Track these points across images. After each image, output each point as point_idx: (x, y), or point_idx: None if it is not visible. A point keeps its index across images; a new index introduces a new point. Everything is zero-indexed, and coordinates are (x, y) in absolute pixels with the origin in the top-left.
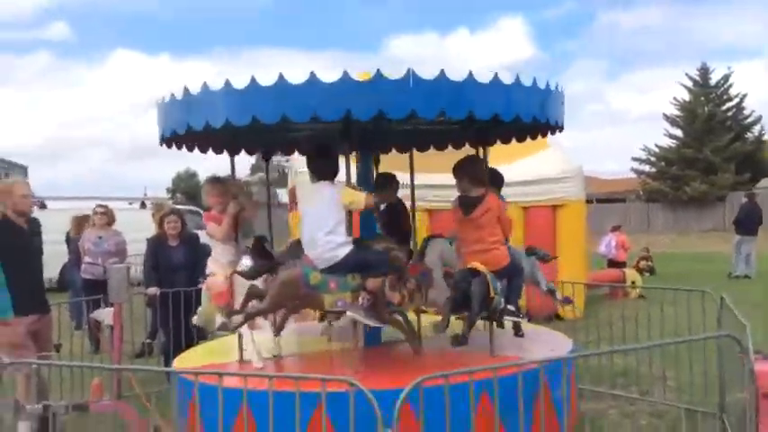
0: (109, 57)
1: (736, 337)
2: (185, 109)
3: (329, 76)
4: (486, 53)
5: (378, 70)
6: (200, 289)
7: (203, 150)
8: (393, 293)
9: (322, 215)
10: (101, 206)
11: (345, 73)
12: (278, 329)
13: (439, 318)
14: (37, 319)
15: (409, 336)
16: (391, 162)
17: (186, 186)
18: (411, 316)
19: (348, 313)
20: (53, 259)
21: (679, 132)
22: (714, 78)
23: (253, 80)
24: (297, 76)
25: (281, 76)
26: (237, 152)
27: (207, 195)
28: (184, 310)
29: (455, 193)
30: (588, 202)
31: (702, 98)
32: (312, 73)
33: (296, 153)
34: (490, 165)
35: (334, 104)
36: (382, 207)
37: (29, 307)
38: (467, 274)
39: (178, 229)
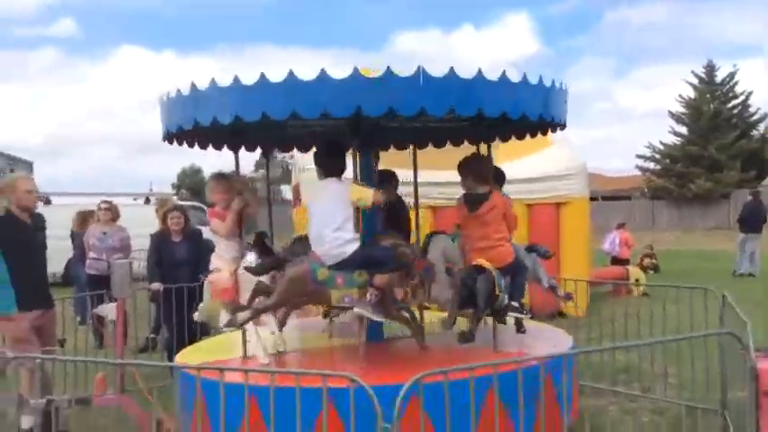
0: (114, 53)
1: (736, 335)
2: (192, 105)
3: (337, 72)
4: (491, 49)
5: (388, 67)
6: (203, 285)
7: (203, 147)
8: (397, 289)
9: (330, 212)
10: (105, 202)
11: (356, 69)
12: (280, 325)
13: (441, 314)
14: (41, 314)
15: (415, 332)
16: (394, 159)
17: (191, 182)
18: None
19: (356, 309)
20: (58, 254)
21: (684, 130)
22: (720, 76)
23: (262, 76)
24: (306, 73)
25: (290, 73)
26: (237, 149)
27: (211, 192)
28: (187, 305)
29: (460, 191)
30: (593, 199)
31: (708, 95)
32: (323, 69)
33: (295, 150)
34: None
35: (344, 101)
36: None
37: (32, 302)
38: (472, 272)
39: (181, 225)
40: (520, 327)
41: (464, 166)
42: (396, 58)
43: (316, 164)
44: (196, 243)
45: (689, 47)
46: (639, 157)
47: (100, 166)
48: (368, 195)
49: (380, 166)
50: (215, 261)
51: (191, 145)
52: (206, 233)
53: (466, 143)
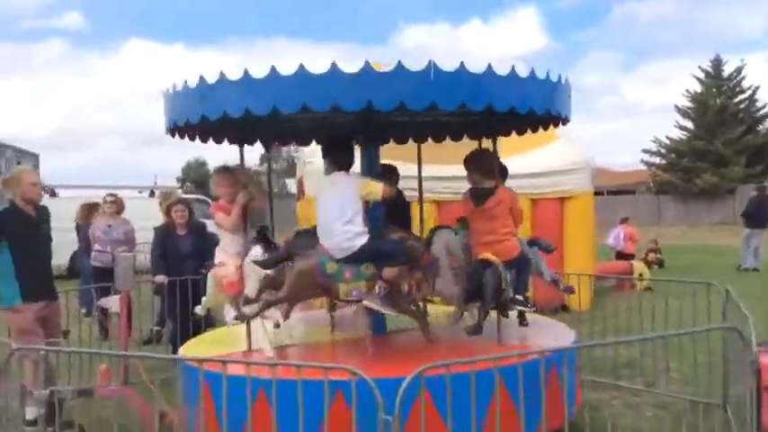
0: (123, 46)
1: (738, 330)
2: (200, 98)
3: (348, 66)
4: (499, 44)
5: (399, 62)
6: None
7: (204, 140)
8: (402, 283)
9: (339, 205)
10: (110, 195)
11: (367, 63)
12: (284, 317)
13: (443, 307)
14: (45, 306)
15: (422, 325)
16: (398, 153)
17: (196, 175)
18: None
19: (364, 302)
20: (63, 247)
21: (690, 124)
22: (727, 70)
23: (273, 69)
24: (317, 67)
25: (301, 66)
26: (239, 143)
27: (216, 185)
28: (192, 298)
29: (465, 185)
30: (598, 194)
31: (714, 90)
32: (334, 63)
33: (292, 144)
34: None
35: (355, 95)
36: None
37: (37, 294)
38: (479, 266)
39: (185, 218)
40: (523, 320)
41: (470, 161)
42: (404, 52)
43: (324, 157)
44: (200, 236)
45: (697, 41)
46: (645, 151)
47: (105, 158)
48: (377, 189)
49: (382, 160)
50: (219, 255)
51: (192, 138)
52: (210, 226)
53: (467, 138)
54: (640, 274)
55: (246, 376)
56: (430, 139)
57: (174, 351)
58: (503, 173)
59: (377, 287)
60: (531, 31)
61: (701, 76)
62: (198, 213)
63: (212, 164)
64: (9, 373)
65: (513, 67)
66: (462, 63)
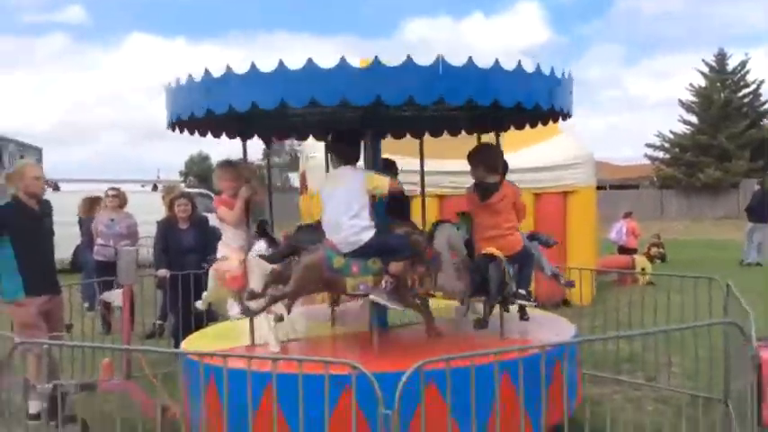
0: (125, 40)
1: (738, 325)
2: (205, 92)
3: (355, 60)
4: (502, 37)
5: (408, 56)
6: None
7: (203, 134)
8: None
9: (346, 199)
10: (113, 189)
11: (376, 58)
12: (287, 311)
13: (444, 302)
14: (48, 300)
15: (428, 319)
16: (400, 147)
17: (199, 169)
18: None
19: (371, 297)
20: (66, 241)
21: (694, 119)
22: (731, 64)
23: (281, 63)
24: (325, 61)
25: (309, 61)
26: (234, 136)
27: (219, 179)
28: (194, 292)
29: (469, 180)
30: (602, 188)
31: (719, 84)
32: (342, 57)
33: (290, 139)
34: None
35: (364, 89)
36: None
37: (40, 287)
38: (484, 260)
39: (188, 212)
40: (523, 314)
41: (475, 156)
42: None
43: (330, 152)
44: (203, 230)
45: (701, 35)
46: (649, 145)
47: (108, 152)
48: (384, 183)
49: (383, 155)
50: (222, 249)
51: (191, 132)
52: (212, 220)
53: (465, 132)
54: (642, 269)
55: (248, 370)
56: (427, 134)
57: (177, 345)
58: (504, 168)
59: (384, 282)
60: (534, 24)
61: (705, 70)
62: (201, 208)
63: (215, 158)
64: (12, 367)
65: (520, 62)
66: (470, 58)
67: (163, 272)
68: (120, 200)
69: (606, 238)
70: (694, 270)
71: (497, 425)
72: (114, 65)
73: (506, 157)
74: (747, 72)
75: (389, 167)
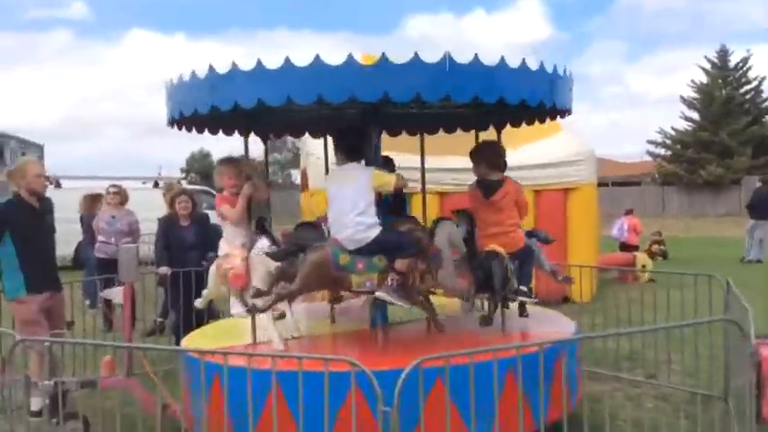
0: (125, 36)
1: (737, 322)
2: (209, 88)
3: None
4: (503, 34)
5: (416, 53)
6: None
7: (201, 131)
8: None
9: (353, 197)
10: (114, 186)
11: (383, 54)
12: (289, 308)
13: (443, 299)
14: (49, 297)
15: (433, 316)
16: (401, 144)
17: (200, 166)
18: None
19: (377, 294)
20: (67, 238)
21: (696, 115)
22: (733, 61)
23: (287, 60)
24: (333, 58)
25: (317, 57)
26: (231, 133)
27: (220, 176)
28: (195, 289)
29: (470, 177)
30: (603, 185)
31: (720, 81)
32: (350, 55)
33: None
34: None
35: (371, 86)
36: None
37: (41, 285)
38: (487, 257)
39: (189, 210)
40: (523, 311)
41: (478, 153)
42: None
43: (336, 149)
44: (204, 227)
45: (703, 31)
46: (650, 142)
47: (110, 148)
48: (390, 180)
49: (384, 152)
50: (223, 246)
51: (189, 129)
52: (213, 218)
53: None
54: (643, 266)
55: (248, 368)
56: (425, 131)
57: (178, 342)
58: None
59: (389, 279)
60: (536, 20)
61: (707, 66)
62: (204, 205)
63: (216, 155)
64: (13, 364)
65: (524, 59)
66: (476, 55)
67: (164, 269)
68: (122, 197)
69: (607, 235)
70: (695, 267)
71: (496, 421)
72: (116, 61)
73: (507, 154)
74: (749, 68)
75: (387, 164)
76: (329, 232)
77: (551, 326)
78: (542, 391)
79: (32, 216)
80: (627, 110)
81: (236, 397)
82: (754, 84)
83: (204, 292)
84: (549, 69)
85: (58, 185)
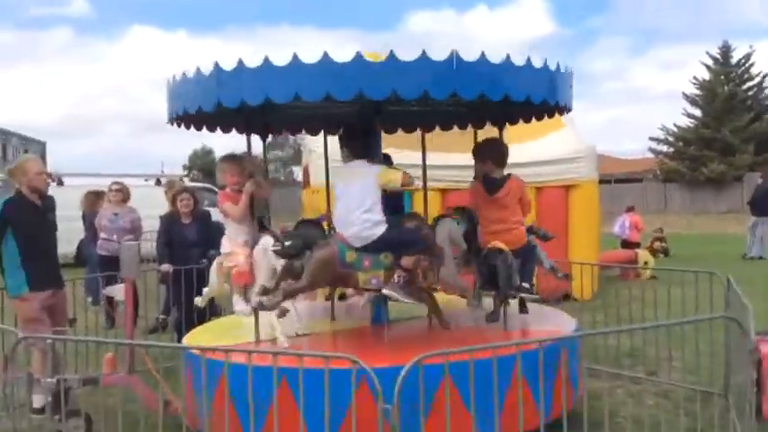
0: (126, 33)
1: (736, 319)
2: (216, 85)
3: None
4: (506, 30)
5: (423, 51)
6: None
7: (199, 128)
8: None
9: (360, 194)
10: (116, 183)
11: (392, 53)
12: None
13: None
14: (52, 294)
15: (438, 313)
16: (403, 141)
17: (202, 163)
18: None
19: (384, 291)
20: (70, 235)
21: (698, 112)
22: (736, 57)
23: (295, 57)
24: (341, 56)
25: (325, 55)
26: (228, 130)
27: (223, 173)
28: (197, 286)
29: (472, 174)
30: (606, 182)
31: (723, 77)
32: (358, 53)
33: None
34: None
35: (379, 84)
36: None
37: (43, 282)
38: (492, 254)
39: (191, 207)
40: (523, 308)
41: (483, 150)
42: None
43: (343, 146)
44: (205, 224)
45: (706, 27)
46: (652, 139)
47: (112, 145)
48: (397, 177)
49: (385, 149)
50: (226, 244)
51: (188, 127)
52: (214, 215)
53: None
54: (645, 263)
55: (248, 365)
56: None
57: (179, 340)
58: None
59: (396, 276)
60: (538, 16)
61: (710, 62)
62: (207, 202)
63: (219, 152)
64: (16, 361)
65: (529, 58)
66: (483, 53)
67: (166, 266)
68: (124, 194)
69: (609, 232)
70: (697, 264)
71: (497, 419)
72: (117, 58)
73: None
74: (752, 65)
75: (385, 161)
76: (330, 229)
77: (552, 323)
78: (542, 388)
79: (34, 214)
80: (629, 106)
81: (238, 394)
82: (757, 80)
83: (204, 290)
84: (552, 67)
85: (60, 183)
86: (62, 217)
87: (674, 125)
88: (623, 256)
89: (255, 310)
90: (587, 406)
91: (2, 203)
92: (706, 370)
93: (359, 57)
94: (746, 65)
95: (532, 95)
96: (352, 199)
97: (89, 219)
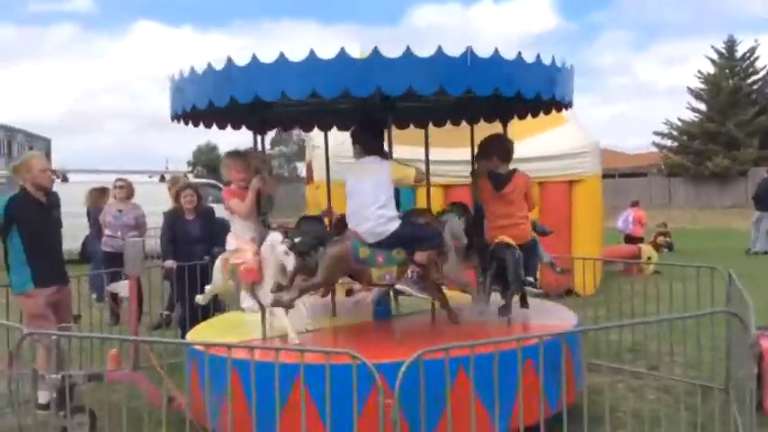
0: (131, 28)
1: (737, 314)
2: (227, 81)
3: (389, 51)
4: (510, 24)
5: (439, 47)
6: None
7: (196, 124)
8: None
9: (373, 190)
10: (120, 179)
11: (408, 48)
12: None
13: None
14: (57, 291)
15: (448, 308)
16: (406, 137)
17: (207, 159)
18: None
19: (398, 287)
20: (74, 231)
21: (703, 106)
22: (740, 51)
23: (312, 53)
24: (357, 52)
25: (342, 51)
26: (224, 127)
27: (228, 170)
28: (201, 283)
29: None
30: (610, 176)
31: (727, 71)
32: (375, 48)
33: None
34: None
35: (397, 80)
36: None
37: (48, 278)
38: (500, 249)
39: (194, 203)
40: (524, 302)
41: (489, 146)
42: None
43: (355, 142)
44: (209, 221)
45: (711, 21)
46: (657, 133)
47: (116, 141)
48: (409, 174)
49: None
50: (231, 241)
51: (186, 123)
52: (219, 211)
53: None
54: (648, 258)
55: (251, 361)
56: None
57: (184, 336)
58: None
59: (410, 271)
60: (543, 11)
61: (715, 56)
62: (211, 198)
63: (223, 148)
64: (21, 357)
65: (539, 55)
66: (496, 49)
67: (170, 263)
68: (128, 191)
69: (613, 226)
70: (701, 259)
71: (496, 415)
72: (121, 53)
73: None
74: (757, 59)
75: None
76: (331, 226)
77: (554, 318)
78: (543, 382)
79: (39, 210)
80: (633, 101)
81: (245, 390)
82: (762, 74)
83: (207, 287)
84: (559, 64)
85: (64, 180)
86: (67, 213)
87: (679, 119)
88: (626, 252)
89: (262, 307)
90: (588, 400)
91: (7, 200)
92: (707, 365)
93: (376, 53)
94: (751, 59)
95: (542, 92)
96: (365, 195)
97: (93, 215)
